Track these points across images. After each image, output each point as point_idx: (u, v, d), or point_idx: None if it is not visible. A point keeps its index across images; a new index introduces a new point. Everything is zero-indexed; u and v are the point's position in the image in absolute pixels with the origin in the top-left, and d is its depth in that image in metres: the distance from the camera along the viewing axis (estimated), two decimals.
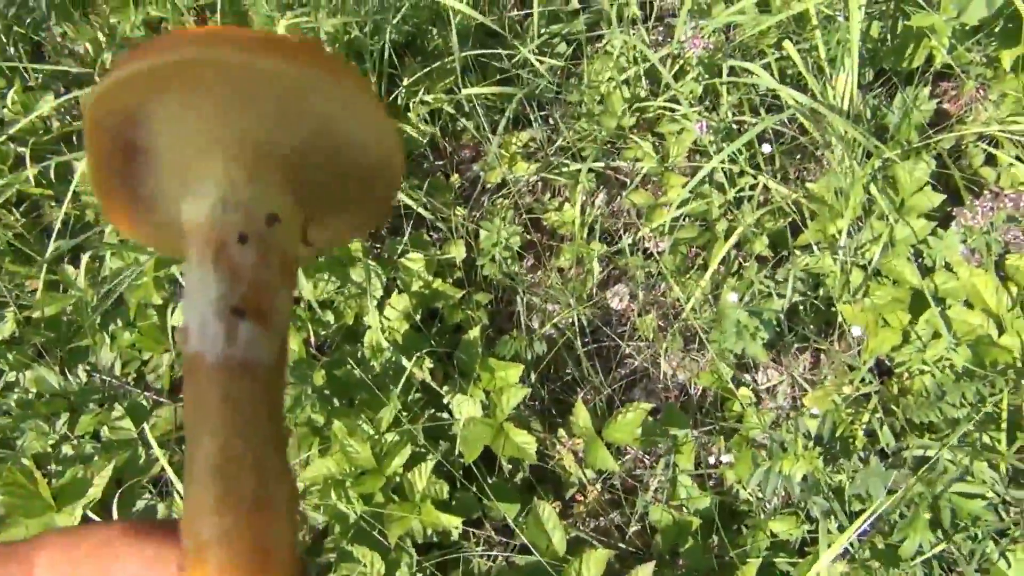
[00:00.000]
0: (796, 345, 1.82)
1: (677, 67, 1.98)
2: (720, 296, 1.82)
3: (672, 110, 1.97)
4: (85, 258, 1.84)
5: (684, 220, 1.90)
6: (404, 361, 1.64)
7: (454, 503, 1.67)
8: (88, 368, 1.84)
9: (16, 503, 1.58)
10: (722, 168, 1.86)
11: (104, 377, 1.82)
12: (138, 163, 0.26)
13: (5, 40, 2.18)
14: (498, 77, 2.06)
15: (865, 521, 1.30)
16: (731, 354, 1.75)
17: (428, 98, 2.00)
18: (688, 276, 1.87)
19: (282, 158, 0.26)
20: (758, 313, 1.62)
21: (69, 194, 1.85)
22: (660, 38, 2.17)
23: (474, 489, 1.70)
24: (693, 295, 1.81)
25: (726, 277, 1.86)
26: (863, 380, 1.57)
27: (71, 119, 2.16)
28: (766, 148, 1.87)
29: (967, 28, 1.89)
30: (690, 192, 1.86)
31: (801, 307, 1.82)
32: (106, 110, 0.23)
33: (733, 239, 1.81)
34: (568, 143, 2.02)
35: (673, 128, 1.99)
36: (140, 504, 1.67)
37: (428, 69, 2.03)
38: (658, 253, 1.93)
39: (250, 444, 0.23)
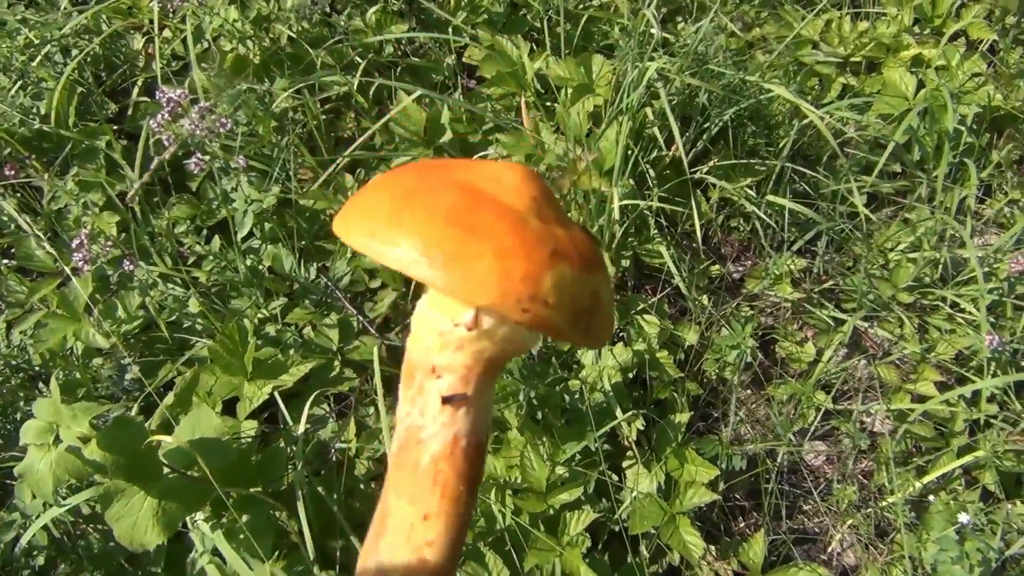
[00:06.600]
0: None
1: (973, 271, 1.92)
2: (928, 506, 1.72)
3: (955, 305, 1.91)
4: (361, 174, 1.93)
5: (920, 416, 1.82)
6: (618, 412, 1.62)
7: (588, 560, 1.62)
8: (320, 268, 1.90)
9: (221, 354, 1.63)
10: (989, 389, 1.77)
11: (330, 283, 1.88)
12: None
13: None
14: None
15: None
16: (921, 569, 1.65)
17: (728, 195, 2.00)
18: (902, 470, 1.78)
19: None
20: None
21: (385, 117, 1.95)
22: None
23: (608, 556, 1.65)
24: (902, 491, 1.71)
25: (939, 490, 1.76)
26: None
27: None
28: None
29: None
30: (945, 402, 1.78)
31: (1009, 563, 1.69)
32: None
33: (967, 458, 1.71)
34: (835, 288, 1.97)
35: (944, 323, 1.92)
36: (317, 410, 1.70)
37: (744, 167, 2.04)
38: (888, 433, 1.85)
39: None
